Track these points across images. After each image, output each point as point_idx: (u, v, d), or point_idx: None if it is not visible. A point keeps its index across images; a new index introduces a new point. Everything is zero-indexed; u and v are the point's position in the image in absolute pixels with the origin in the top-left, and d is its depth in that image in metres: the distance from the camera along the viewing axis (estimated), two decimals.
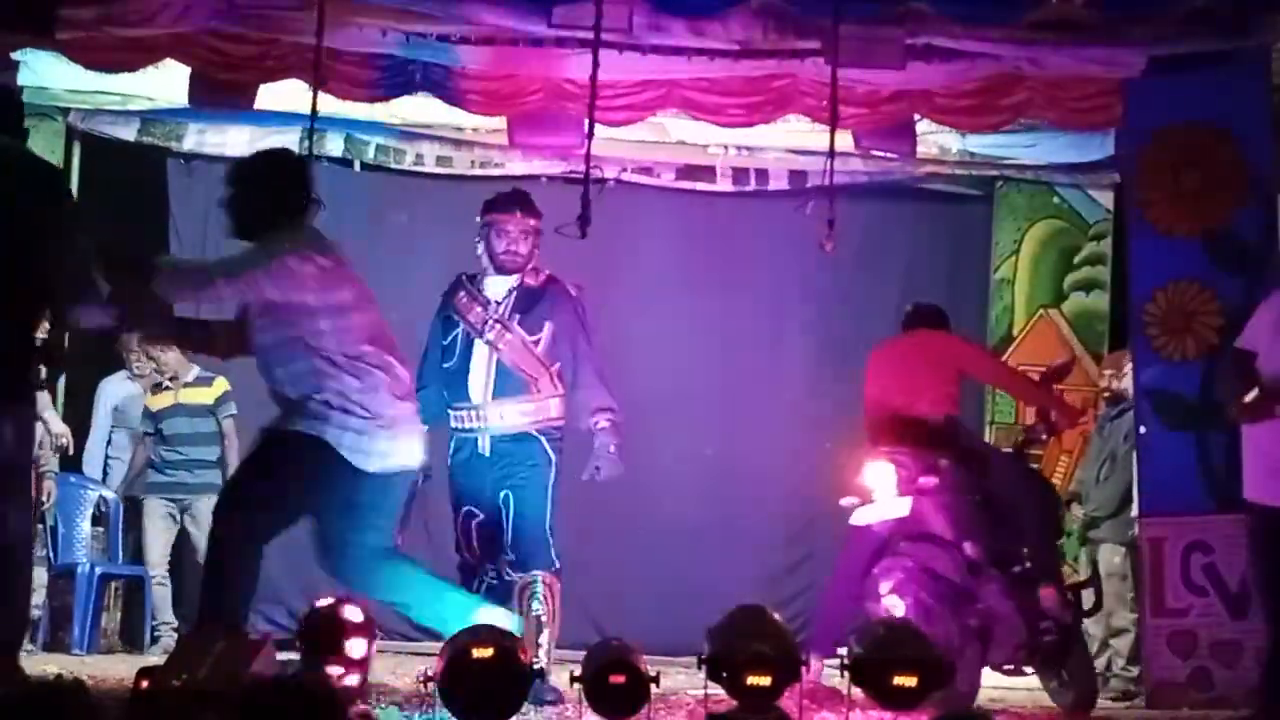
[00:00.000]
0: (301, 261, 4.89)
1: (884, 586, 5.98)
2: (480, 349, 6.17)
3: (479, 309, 6.22)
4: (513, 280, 6.23)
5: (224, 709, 3.75)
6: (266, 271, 4.87)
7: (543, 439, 6.15)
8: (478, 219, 6.30)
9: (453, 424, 6.22)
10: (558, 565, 6.08)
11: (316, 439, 5.01)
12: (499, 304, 6.21)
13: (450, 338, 6.24)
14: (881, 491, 6.20)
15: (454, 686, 4.33)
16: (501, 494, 6.09)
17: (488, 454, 6.13)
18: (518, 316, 6.19)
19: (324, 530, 5.20)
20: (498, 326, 6.18)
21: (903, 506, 6.14)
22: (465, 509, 6.17)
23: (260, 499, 5.05)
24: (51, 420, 7.69)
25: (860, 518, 6.28)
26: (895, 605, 5.88)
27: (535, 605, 5.96)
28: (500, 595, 6.12)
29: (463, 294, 6.28)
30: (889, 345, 6.91)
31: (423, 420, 6.27)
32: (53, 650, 7.67)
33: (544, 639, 5.96)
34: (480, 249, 6.26)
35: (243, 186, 5.17)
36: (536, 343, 6.18)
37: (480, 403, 6.14)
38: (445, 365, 6.23)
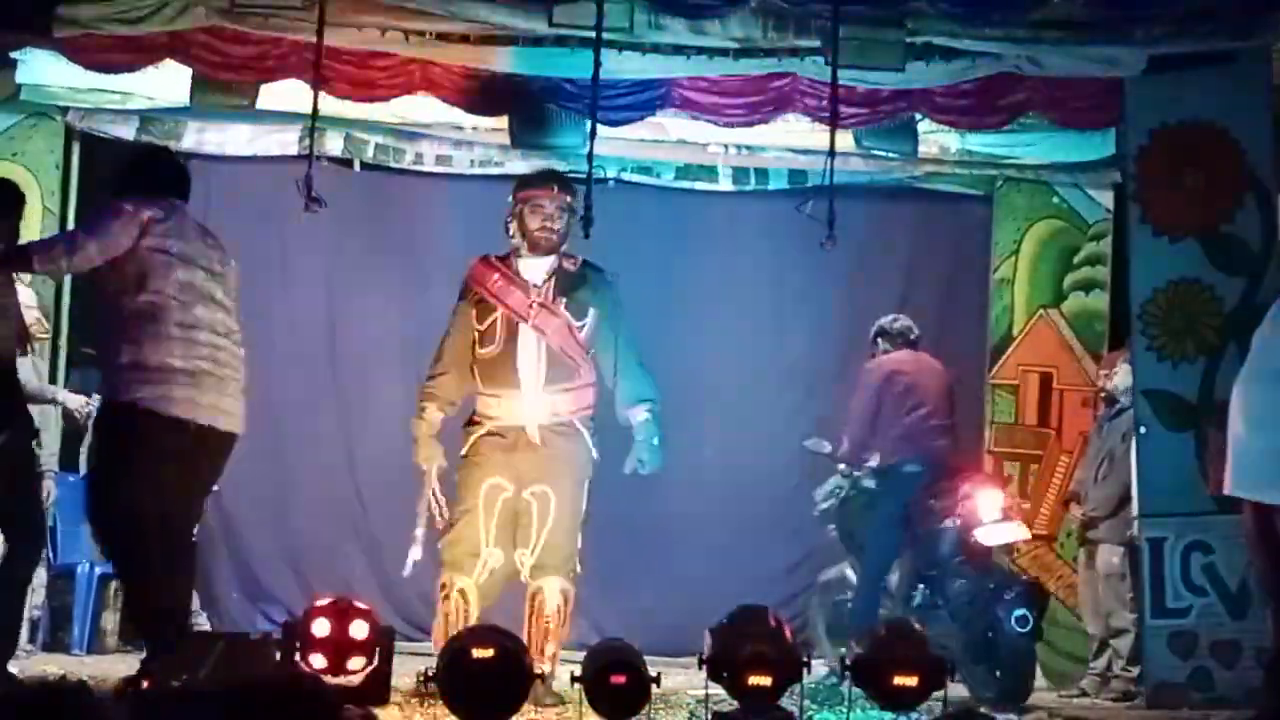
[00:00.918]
0: (137, 207, 5.30)
1: (1009, 596, 6.63)
2: (526, 334, 6.01)
3: (518, 292, 6.07)
4: (549, 263, 6.11)
5: (224, 709, 3.74)
6: (116, 217, 5.27)
7: (585, 431, 6.06)
8: (509, 199, 6.22)
9: (491, 412, 6.05)
10: (579, 571, 5.98)
11: (144, 410, 5.17)
12: (539, 287, 6.07)
13: (488, 322, 6.06)
14: (991, 516, 6.82)
15: (454, 686, 4.33)
16: (535, 488, 5.94)
17: (538, 442, 5.98)
18: (562, 300, 6.06)
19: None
20: (543, 311, 6.04)
21: (1024, 531, 7.12)
22: (492, 481, 5.95)
23: (133, 482, 5.15)
24: (68, 398, 7.62)
25: (990, 539, 6.85)
26: (1027, 617, 6.57)
27: (547, 612, 5.87)
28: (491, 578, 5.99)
29: (497, 277, 6.11)
30: (929, 366, 7.44)
31: (439, 407, 6.20)
32: (53, 650, 7.64)
33: (550, 646, 5.89)
34: (512, 228, 6.15)
35: (120, 170, 5.69)
36: (581, 328, 6.08)
37: (531, 390, 5.98)
38: (484, 352, 6.06)
